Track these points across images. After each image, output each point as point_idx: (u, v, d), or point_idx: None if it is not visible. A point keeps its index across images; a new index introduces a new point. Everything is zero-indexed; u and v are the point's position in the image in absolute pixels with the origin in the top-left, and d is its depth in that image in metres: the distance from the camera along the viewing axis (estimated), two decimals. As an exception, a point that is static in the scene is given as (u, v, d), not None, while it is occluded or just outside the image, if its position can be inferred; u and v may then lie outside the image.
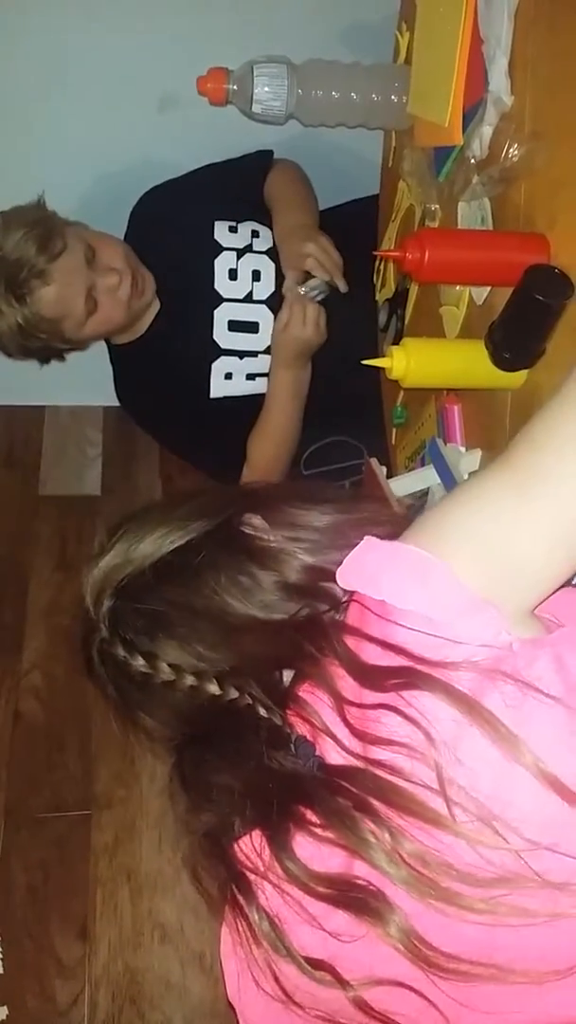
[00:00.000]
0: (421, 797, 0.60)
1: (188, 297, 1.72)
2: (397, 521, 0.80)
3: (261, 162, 1.81)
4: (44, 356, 1.79)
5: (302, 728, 0.69)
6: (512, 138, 0.99)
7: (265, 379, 1.73)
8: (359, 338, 1.60)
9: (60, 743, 1.82)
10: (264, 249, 1.72)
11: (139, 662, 0.74)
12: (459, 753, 0.60)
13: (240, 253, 1.71)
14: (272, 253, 1.71)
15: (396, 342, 1.34)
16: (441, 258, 1.01)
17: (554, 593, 0.66)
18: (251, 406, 1.74)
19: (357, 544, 0.68)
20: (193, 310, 1.72)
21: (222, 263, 1.70)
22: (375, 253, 1.47)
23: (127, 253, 1.67)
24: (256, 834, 0.70)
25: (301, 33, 1.72)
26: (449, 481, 1.20)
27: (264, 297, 1.71)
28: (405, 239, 1.03)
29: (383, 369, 1.06)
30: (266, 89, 1.42)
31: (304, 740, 0.68)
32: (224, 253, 1.70)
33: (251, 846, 0.70)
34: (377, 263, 1.60)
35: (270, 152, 1.82)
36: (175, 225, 1.73)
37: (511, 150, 0.99)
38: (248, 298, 1.71)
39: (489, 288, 1.09)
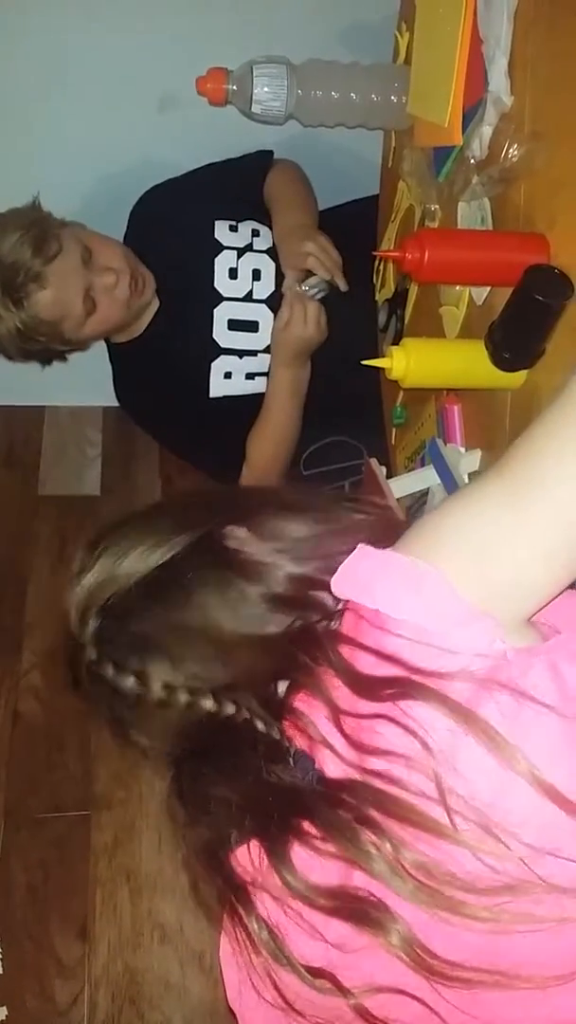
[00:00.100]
0: (421, 807, 0.60)
1: (188, 296, 1.72)
2: (384, 526, 0.80)
3: (261, 162, 1.81)
4: (46, 358, 1.79)
5: (299, 740, 0.69)
6: (512, 138, 0.99)
7: (264, 378, 1.73)
8: (359, 338, 1.60)
9: (60, 743, 1.82)
10: (264, 248, 1.72)
11: (130, 682, 0.72)
12: (456, 762, 0.59)
13: (240, 252, 1.71)
14: (272, 252, 1.71)
15: (396, 342, 1.34)
16: (441, 258, 1.01)
17: (554, 599, 0.66)
18: (250, 405, 1.74)
19: (344, 551, 0.68)
20: (193, 309, 1.71)
21: (222, 262, 1.70)
22: (375, 253, 1.47)
23: (125, 252, 1.67)
24: (253, 843, 0.69)
25: (301, 33, 1.72)
26: (449, 481, 1.20)
27: (264, 296, 1.71)
28: (405, 239, 1.03)
29: (383, 369, 1.06)
30: (266, 89, 1.42)
31: (303, 753, 0.68)
32: (224, 252, 1.70)
33: (248, 856, 0.70)
34: (377, 263, 1.60)
35: (270, 152, 1.82)
36: (175, 224, 1.73)
37: (511, 150, 0.99)
38: (248, 297, 1.71)
39: (489, 288, 1.09)
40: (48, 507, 2.20)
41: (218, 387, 1.74)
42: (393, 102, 1.39)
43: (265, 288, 1.71)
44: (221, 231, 1.72)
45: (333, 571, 0.69)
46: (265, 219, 1.75)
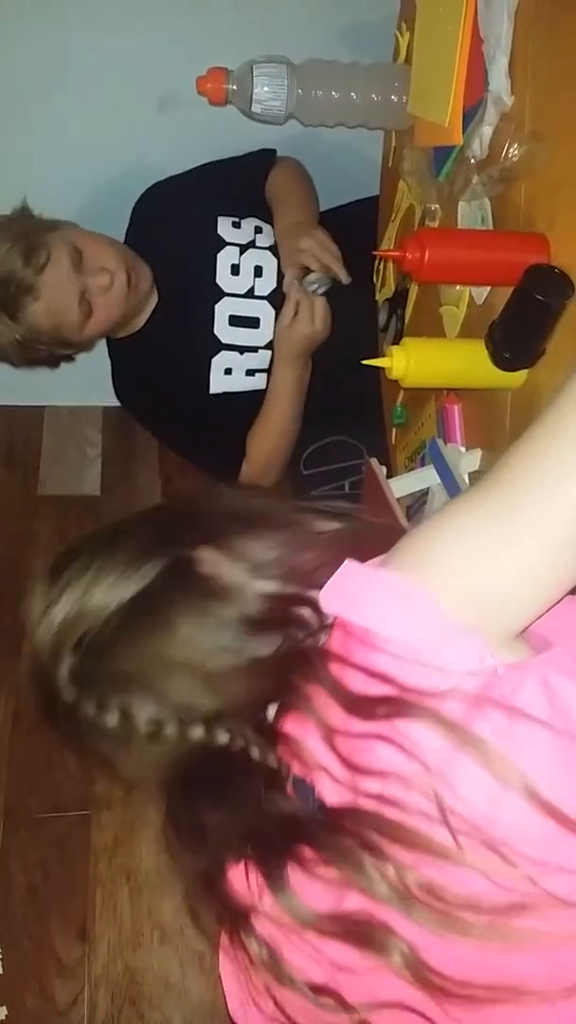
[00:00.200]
0: (423, 830, 0.60)
1: (189, 291, 1.72)
2: (358, 534, 0.79)
3: (263, 160, 1.81)
4: (51, 362, 1.80)
5: (295, 765, 0.67)
6: (512, 138, 0.99)
7: (264, 375, 1.73)
8: (359, 338, 1.60)
9: (60, 743, 1.82)
10: (267, 245, 1.72)
11: (114, 720, 0.70)
12: (452, 781, 0.59)
13: (243, 249, 1.71)
14: (274, 250, 1.71)
15: (396, 342, 1.35)
16: (441, 258, 1.01)
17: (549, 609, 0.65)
18: (250, 402, 1.74)
19: (321, 564, 0.67)
20: (194, 304, 1.71)
21: (224, 258, 1.70)
22: (375, 253, 1.47)
23: (117, 249, 1.66)
24: (250, 863, 0.69)
25: (301, 33, 1.72)
26: (449, 481, 1.20)
27: (266, 293, 1.71)
28: (405, 239, 1.03)
29: (383, 369, 1.06)
30: (266, 89, 1.42)
31: (301, 780, 0.67)
32: (227, 248, 1.70)
33: (243, 876, 0.69)
34: (377, 263, 1.60)
35: (273, 151, 1.82)
36: (178, 220, 1.73)
37: (511, 150, 0.99)
38: (250, 293, 1.71)
39: (489, 288, 1.09)
40: (48, 507, 2.20)
41: (218, 383, 1.74)
42: (393, 102, 1.39)
43: (267, 285, 1.71)
44: (224, 227, 1.72)
45: (311, 585, 0.68)
46: (267, 217, 1.75)
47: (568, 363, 0.95)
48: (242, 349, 1.72)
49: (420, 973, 0.61)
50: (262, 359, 1.72)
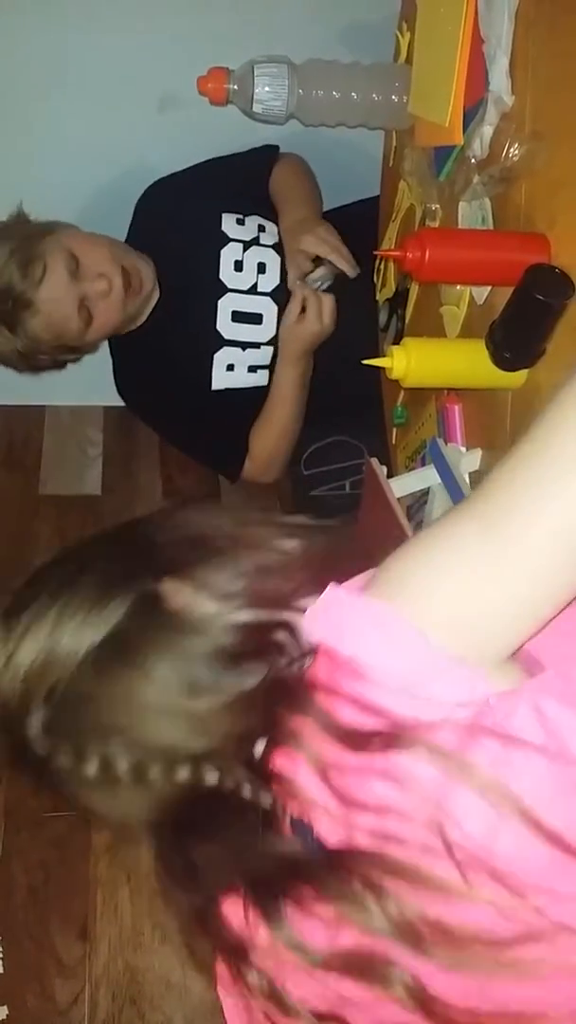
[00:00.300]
0: (426, 866, 0.59)
1: (192, 287, 1.72)
2: (328, 554, 0.76)
3: (266, 156, 1.81)
4: (58, 366, 1.81)
5: (288, 802, 0.65)
6: (513, 138, 0.99)
7: (266, 371, 1.73)
8: (359, 338, 1.60)
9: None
10: (270, 243, 1.72)
11: (93, 768, 0.67)
12: (451, 813, 0.58)
13: (247, 245, 1.71)
14: (278, 247, 1.71)
15: (396, 342, 1.35)
16: (441, 258, 1.01)
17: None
18: (252, 398, 1.74)
19: (294, 587, 0.67)
20: (197, 300, 1.71)
21: (228, 254, 1.70)
22: (375, 252, 1.47)
23: (114, 251, 1.66)
24: (246, 899, 0.67)
25: (301, 33, 1.72)
26: (449, 481, 1.20)
27: (269, 289, 1.71)
28: (405, 239, 1.03)
29: (383, 369, 1.06)
30: (267, 89, 1.42)
31: (300, 820, 0.64)
32: (231, 244, 1.70)
33: (237, 908, 0.67)
34: (377, 263, 1.60)
35: (275, 147, 1.81)
36: (182, 215, 1.73)
37: (511, 150, 0.99)
38: (253, 290, 1.71)
39: (490, 288, 1.09)
40: (49, 507, 2.20)
41: (220, 379, 1.74)
42: (394, 101, 1.39)
43: (270, 281, 1.71)
44: (228, 223, 1.72)
45: (285, 607, 0.68)
46: (271, 215, 1.75)
47: (569, 363, 0.95)
48: (244, 345, 1.72)
49: (424, 1003, 0.60)
50: (264, 355, 1.72)
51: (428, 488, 1.29)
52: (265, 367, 1.73)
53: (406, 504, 1.32)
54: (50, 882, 1.66)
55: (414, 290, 1.40)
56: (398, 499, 1.27)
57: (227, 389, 1.75)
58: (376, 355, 1.29)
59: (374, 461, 1.34)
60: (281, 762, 0.65)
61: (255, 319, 1.71)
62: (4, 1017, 1.51)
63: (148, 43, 1.80)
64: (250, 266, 1.70)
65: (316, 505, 1.92)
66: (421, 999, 0.60)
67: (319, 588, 0.67)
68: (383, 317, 1.52)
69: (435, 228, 1.24)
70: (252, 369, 1.74)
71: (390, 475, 1.35)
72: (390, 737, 0.59)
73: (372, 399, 1.67)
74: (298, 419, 1.74)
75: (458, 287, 1.18)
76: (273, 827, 0.65)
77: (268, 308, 1.71)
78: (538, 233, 0.98)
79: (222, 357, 1.72)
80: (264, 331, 1.71)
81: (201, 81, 1.47)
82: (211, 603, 0.70)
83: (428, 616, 0.60)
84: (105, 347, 1.84)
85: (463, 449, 1.21)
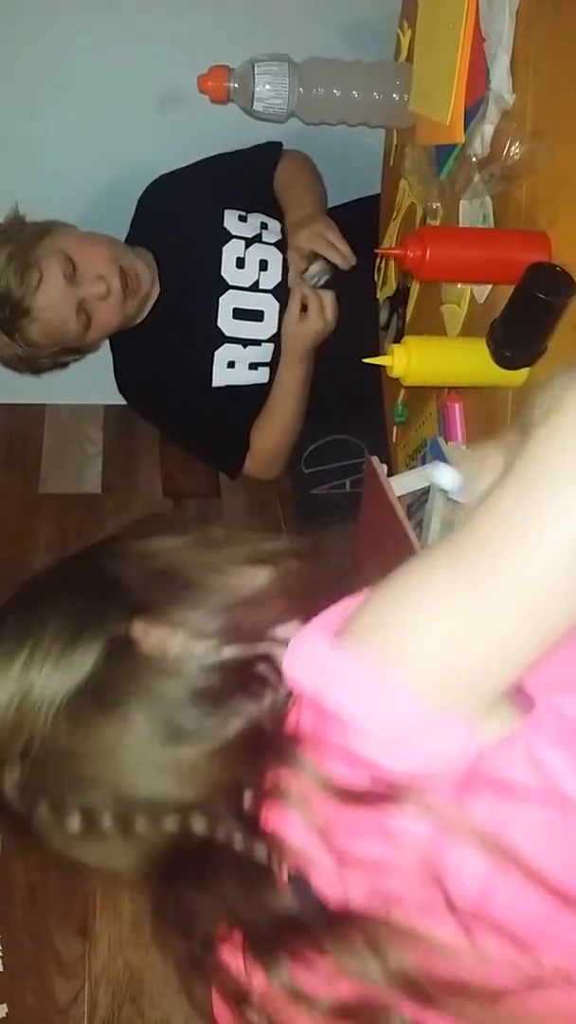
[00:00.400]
0: (425, 923, 0.58)
1: (193, 284, 1.72)
2: (300, 584, 0.72)
3: (270, 153, 1.81)
4: (60, 366, 1.81)
5: (282, 856, 0.63)
6: (514, 136, 0.99)
7: (267, 369, 1.73)
8: (360, 336, 1.60)
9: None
10: (272, 240, 1.72)
11: (75, 823, 0.64)
12: (449, 868, 0.58)
13: (249, 242, 1.71)
14: (280, 245, 1.71)
15: (397, 340, 1.34)
16: (442, 256, 1.01)
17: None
18: (253, 395, 1.74)
19: (272, 619, 0.66)
20: (198, 297, 1.71)
21: (230, 251, 1.70)
22: (376, 251, 1.47)
23: (112, 251, 1.66)
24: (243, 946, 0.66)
25: (302, 31, 1.72)
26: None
27: (270, 286, 1.71)
28: (406, 237, 1.03)
29: (384, 367, 1.06)
30: (267, 87, 1.42)
31: (297, 876, 0.62)
32: (233, 241, 1.70)
33: (237, 954, 0.66)
34: (378, 261, 1.60)
35: (279, 143, 1.81)
36: (184, 212, 1.73)
37: (512, 148, 0.99)
38: (254, 287, 1.71)
39: (490, 286, 1.09)
40: (49, 505, 2.20)
41: (221, 376, 1.74)
42: (395, 100, 1.39)
43: (272, 279, 1.71)
44: (230, 220, 1.72)
45: (264, 639, 0.66)
46: (273, 212, 1.75)
47: (569, 361, 0.95)
48: (245, 342, 1.72)
49: None
50: (265, 352, 1.72)
51: (428, 487, 1.28)
52: (266, 364, 1.73)
53: (406, 503, 1.32)
54: (50, 880, 1.66)
55: (415, 288, 1.40)
56: (398, 498, 1.27)
57: (228, 386, 1.75)
58: (377, 353, 1.29)
59: (374, 459, 1.34)
60: (272, 817, 0.62)
61: (256, 316, 1.71)
62: (4, 1015, 1.51)
63: (149, 41, 1.80)
64: (252, 263, 1.70)
65: (316, 503, 1.92)
66: None
67: (297, 616, 0.66)
68: (384, 315, 1.52)
69: (436, 226, 1.24)
70: (253, 366, 1.74)
71: (390, 473, 1.35)
72: (383, 794, 0.57)
73: (373, 397, 1.67)
74: (300, 416, 1.74)
75: (459, 285, 1.18)
76: (269, 880, 0.63)
77: (269, 305, 1.71)
78: (539, 231, 0.98)
79: (223, 354, 1.72)
80: (265, 328, 1.71)
81: (202, 79, 1.47)
82: (186, 643, 0.67)
83: (413, 667, 0.57)
84: (106, 346, 1.84)
85: (464, 447, 1.21)
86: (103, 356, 1.86)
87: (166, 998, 1.57)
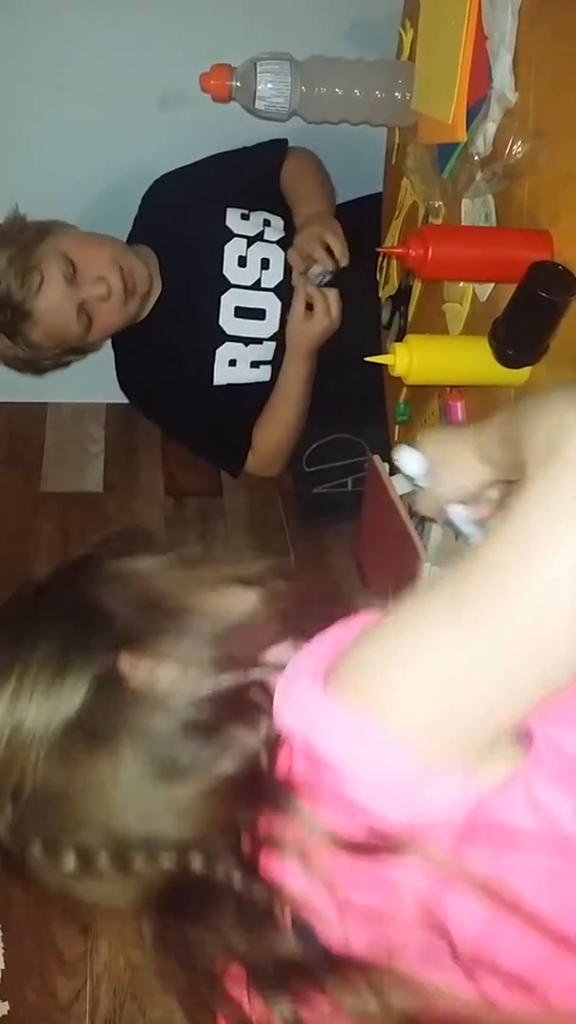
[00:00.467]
0: (427, 971, 0.58)
1: (195, 282, 1.72)
2: (289, 607, 0.70)
3: (276, 151, 1.81)
4: (62, 365, 1.81)
5: (283, 900, 0.62)
6: (516, 135, 0.99)
7: (269, 367, 1.74)
8: (362, 335, 1.60)
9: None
10: (275, 239, 1.72)
11: (70, 863, 0.63)
12: (450, 916, 0.57)
13: (251, 241, 1.71)
14: (282, 243, 1.71)
15: (399, 339, 1.34)
16: (444, 255, 1.01)
17: None
18: (254, 394, 1.74)
19: (263, 643, 0.65)
20: (200, 295, 1.71)
21: (232, 249, 1.70)
22: (378, 249, 1.47)
23: (113, 252, 1.66)
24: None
25: (304, 29, 1.72)
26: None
27: (272, 285, 1.71)
28: (408, 235, 1.03)
29: (386, 366, 1.06)
30: (269, 86, 1.42)
31: (299, 921, 0.61)
32: (235, 239, 1.70)
33: (240, 985, 0.65)
34: (380, 259, 1.60)
35: (284, 140, 1.81)
36: (187, 210, 1.73)
37: (515, 147, 0.99)
38: (256, 285, 1.71)
39: (493, 285, 1.09)
40: (50, 504, 2.20)
41: (222, 375, 1.74)
42: (397, 99, 1.39)
43: (273, 277, 1.71)
44: (233, 219, 1.72)
45: (254, 665, 0.65)
46: (277, 209, 1.75)
47: (572, 359, 0.95)
48: (247, 341, 1.72)
49: None
50: (266, 351, 1.73)
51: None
52: (267, 363, 1.73)
53: (408, 502, 1.32)
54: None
55: (417, 287, 1.40)
56: (400, 497, 1.27)
57: (229, 384, 1.75)
58: (379, 352, 1.29)
59: (376, 458, 1.34)
60: (270, 864, 0.61)
61: (258, 315, 1.71)
62: (5, 1013, 1.51)
63: (150, 40, 1.80)
64: (254, 262, 1.70)
65: (318, 502, 1.92)
66: None
67: (288, 637, 0.65)
68: (386, 314, 1.52)
69: (438, 225, 1.24)
70: (254, 365, 1.74)
71: (392, 472, 1.35)
72: (381, 846, 0.57)
73: (375, 396, 1.67)
74: (303, 415, 1.74)
75: (461, 284, 1.18)
76: (271, 921, 0.62)
77: (271, 304, 1.71)
78: (541, 230, 0.98)
79: (224, 353, 1.72)
80: (267, 327, 1.71)
81: (204, 78, 1.47)
82: (174, 674, 0.65)
83: (407, 718, 0.56)
84: (107, 344, 1.84)
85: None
86: (105, 355, 1.86)
87: (168, 996, 1.57)
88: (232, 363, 1.74)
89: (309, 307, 1.62)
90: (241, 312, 1.71)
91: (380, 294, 1.60)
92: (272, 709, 0.62)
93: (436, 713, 0.56)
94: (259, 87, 1.42)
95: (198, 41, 1.72)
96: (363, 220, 1.66)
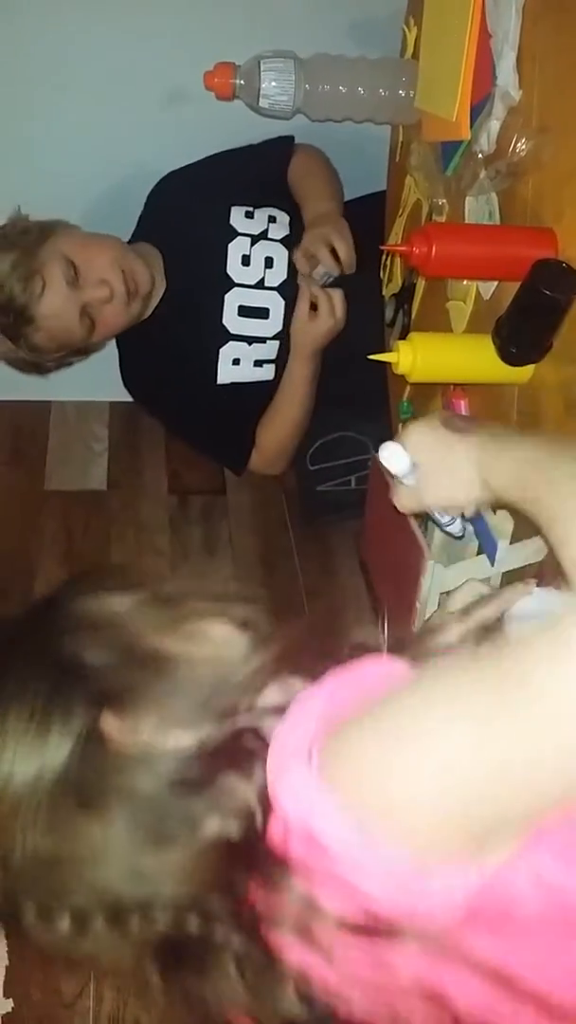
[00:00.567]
0: None
1: (199, 281, 1.72)
2: (281, 656, 0.67)
3: (283, 148, 1.80)
4: (65, 365, 1.82)
5: (284, 966, 0.61)
6: (520, 132, 0.99)
7: (272, 366, 1.74)
8: (366, 333, 1.60)
9: None
10: (279, 237, 1.72)
11: (65, 925, 0.61)
12: (452, 994, 0.57)
13: (255, 239, 1.71)
14: (287, 241, 1.71)
15: (403, 337, 1.34)
16: (448, 252, 1.01)
17: None
18: (258, 392, 1.75)
19: (254, 689, 0.63)
20: (203, 294, 1.72)
21: (236, 248, 1.70)
22: (382, 247, 1.47)
23: (115, 253, 1.65)
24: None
25: (308, 27, 1.71)
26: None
27: (276, 284, 1.71)
28: (412, 233, 1.03)
29: (390, 364, 1.06)
30: (273, 84, 1.42)
31: (304, 988, 0.60)
32: (239, 238, 1.70)
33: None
34: (384, 257, 1.60)
35: (291, 137, 1.81)
36: (191, 209, 1.73)
37: (518, 144, 0.99)
38: (260, 284, 1.71)
39: (496, 283, 1.09)
40: (54, 502, 2.20)
41: (226, 373, 1.75)
42: (401, 96, 1.39)
43: (277, 276, 1.71)
44: (237, 217, 1.72)
45: (244, 712, 0.63)
46: (284, 205, 1.75)
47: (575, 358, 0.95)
48: (250, 340, 1.72)
49: None
50: (270, 350, 1.73)
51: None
52: (271, 361, 1.73)
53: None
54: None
55: (420, 285, 1.40)
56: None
57: (233, 383, 1.75)
58: (382, 350, 1.29)
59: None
60: (269, 931, 0.60)
61: (262, 314, 1.71)
62: (9, 1010, 1.51)
63: (154, 39, 1.80)
64: (257, 261, 1.70)
65: (322, 500, 1.92)
66: None
67: (278, 677, 0.64)
68: (389, 312, 1.52)
69: (442, 223, 1.24)
70: (258, 363, 1.74)
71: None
72: (380, 930, 0.56)
73: (378, 394, 1.67)
74: (307, 414, 1.74)
75: (465, 282, 1.18)
76: (272, 981, 0.61)
77: (275, 303, 1.71)
78: (545, 228, 0.98)
79: (228, 351, 1.73)
80: (270, 326, 1.71)
81: (207, 76, 1.47)
82: (159, 731, 0.63)
83: (411, 823, 0.55)
84: (111, 343, 1.84)
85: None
86: (109, 353, 1.86)
87: None
88: (236, 362, 1.74)
89: (313, 307, 1.62)
90: (245, 311, 1.71)
91: (384, 292, 1.60)
92: (266, 755, 0.60)
93: (441, 815, 0.54)
94: (263, 85, 1.42)
95: (199, 40, 1.72)
96: (367, 218, 1.66)
